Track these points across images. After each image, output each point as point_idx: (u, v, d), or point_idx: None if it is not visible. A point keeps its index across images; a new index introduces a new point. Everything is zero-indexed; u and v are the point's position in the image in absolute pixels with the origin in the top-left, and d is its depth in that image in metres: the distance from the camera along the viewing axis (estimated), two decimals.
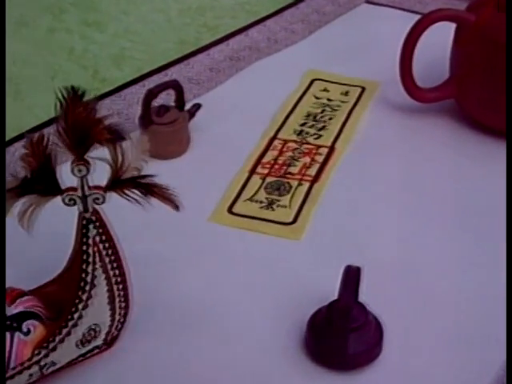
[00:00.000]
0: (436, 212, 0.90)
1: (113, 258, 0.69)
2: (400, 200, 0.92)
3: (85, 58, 1.14)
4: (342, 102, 1.05)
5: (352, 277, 0.69)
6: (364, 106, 1.05)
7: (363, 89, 1.08)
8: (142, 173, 0.66)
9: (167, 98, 1.02)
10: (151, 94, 0.95)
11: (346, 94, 1.07)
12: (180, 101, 0.97)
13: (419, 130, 1.03)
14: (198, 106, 1.00)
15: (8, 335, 0.65)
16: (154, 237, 0.85)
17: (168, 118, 0.96)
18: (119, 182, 0.65)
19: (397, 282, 0.81)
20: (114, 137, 0.62)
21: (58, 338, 0.68)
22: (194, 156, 0.98)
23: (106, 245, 0.68)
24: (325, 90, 1.08)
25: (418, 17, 1.01)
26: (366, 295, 0.74)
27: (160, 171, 0.98)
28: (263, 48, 1.18)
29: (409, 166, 0.97)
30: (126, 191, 0.65)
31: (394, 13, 1.29)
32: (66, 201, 0.65)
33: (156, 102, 1.00)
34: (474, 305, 0.79)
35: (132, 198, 0.65)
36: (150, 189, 0.65)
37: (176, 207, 0.66)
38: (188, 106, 1.01)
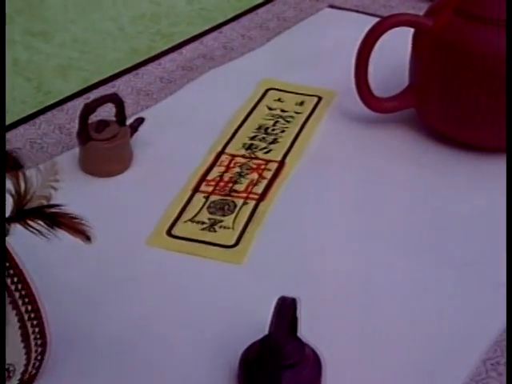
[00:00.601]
0: (394, 232, 0.84)
1: (23, 292, 0.63)
2: (354, 219, 0.86)
3: (29, 70, 1.08)
4: (297, 112, 1.00)
5: (285, 309, 0.64)
6: (319, 117, 1.00)
7: (320, 98, 1.03)
8: (52, 202, 0.60)
9: (113, 111, 0.96)
10: (88, 109, 0.89)
11: (301, 104, 1.02)
12: (120, 115, 0.92)
13: (377, 141, 0.97)
14: (140, 120, 0.94)
15: None
16: (84, 263, 0.79)
17: (107, 134, 0.90)
18: (23, 213, 0.59)
19: (345, 311, 0.75)
20: (12, 164, 0.57)
21: None
22: (135, 173, 0.92)
23: (15, 279, 0.62)
24: (279, 100, 1.03)
25: None
26: (307, 327, 0.69)
27: (98, 190, 0.93)
28: (218, 56, 1.13)
29: (365, 181, 0.91)
30: (31, 222, 0.59)
31: (358, 17, 1.24)
32: None
33: (101, 116, 0.95)
34: (427, 337, 0.73)
35: (36, 229, 0.59)
36: (57, 219, 0.59)
37: (87, 239, 0.60)
38: (133, 120, 0.96)
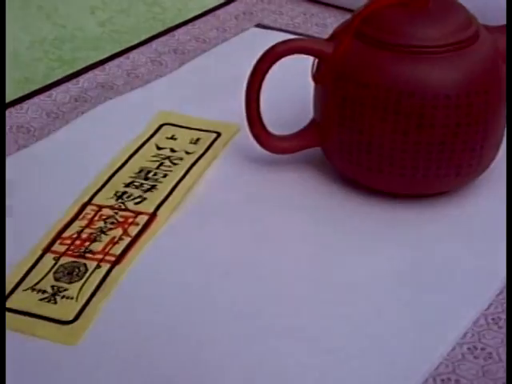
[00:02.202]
0: (283, 305, 0.70)
1: None
2: (233, 287, 0.72)
3: None
4: (188, 152, 0.87)
5: None
6: (212, 157, 0.86)
7: (218, 134, 0.90)
8: None
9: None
10: None
11: (196, 141, 0.88)
12: None
13: (276, 187, 0.83)
14: None
15: None
16: None
17: None
18: None
19: None
20: None
21: None
22: None
23: None
24: (172, 137, 0.90)
25: None
26: None
27: None
28: (119, 85, 1.00)
29: (254, 238, 0.77)
30: None
31: (287, 38, 1.10)
32: None
33: None
34: None
35: None
36: None
37: None
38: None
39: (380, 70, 0.75)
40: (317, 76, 0.80)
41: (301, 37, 0.83)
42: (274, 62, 0.79)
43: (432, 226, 0.78)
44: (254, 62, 1.03)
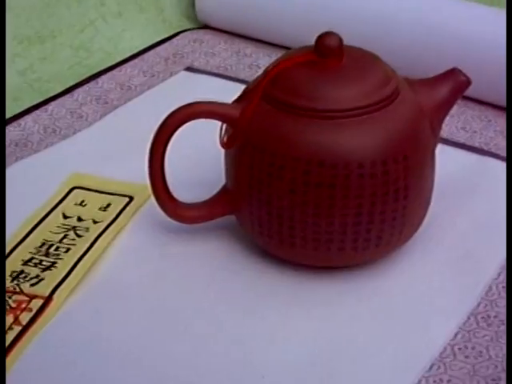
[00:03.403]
0: None
1: None
2: (135, 377, 0.66)
3: None
4: (95, 221, 0.80)
5: None
6: (120, 226, 0.79)
7: (131, 199, 0.84)
8: None
9: None
10: None
11: (106, 208, 0.82)
12: None
13: (188, 260, 0.76)
14: None
15: None
16: None
17: None
18: None
19: None
20: None
21: None
22: None
23: None
24: (81, 203, 0.84)
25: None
26: None
27: None
28: (33, 143, 0.93)
29: (161, 321, 0.70)
30: None
31: (218, 83, 1.03)
32: None
33: None
34: None
35: None
36: None
37: None
38: None
39: (286, 137, 0.69)
40: (224, 141, 0.74)
41: (208, 100, 0.75)
42: (175, 129, 0.73)
43: (351, 301, 0.72)
44: None
